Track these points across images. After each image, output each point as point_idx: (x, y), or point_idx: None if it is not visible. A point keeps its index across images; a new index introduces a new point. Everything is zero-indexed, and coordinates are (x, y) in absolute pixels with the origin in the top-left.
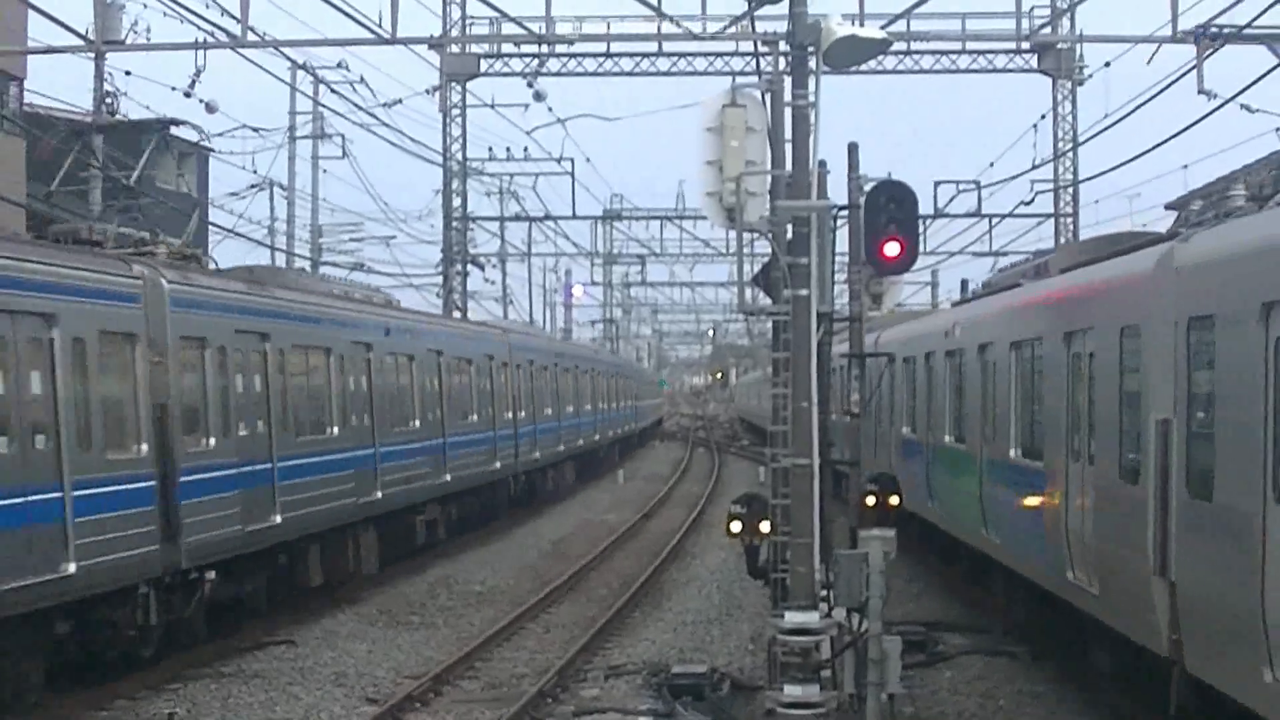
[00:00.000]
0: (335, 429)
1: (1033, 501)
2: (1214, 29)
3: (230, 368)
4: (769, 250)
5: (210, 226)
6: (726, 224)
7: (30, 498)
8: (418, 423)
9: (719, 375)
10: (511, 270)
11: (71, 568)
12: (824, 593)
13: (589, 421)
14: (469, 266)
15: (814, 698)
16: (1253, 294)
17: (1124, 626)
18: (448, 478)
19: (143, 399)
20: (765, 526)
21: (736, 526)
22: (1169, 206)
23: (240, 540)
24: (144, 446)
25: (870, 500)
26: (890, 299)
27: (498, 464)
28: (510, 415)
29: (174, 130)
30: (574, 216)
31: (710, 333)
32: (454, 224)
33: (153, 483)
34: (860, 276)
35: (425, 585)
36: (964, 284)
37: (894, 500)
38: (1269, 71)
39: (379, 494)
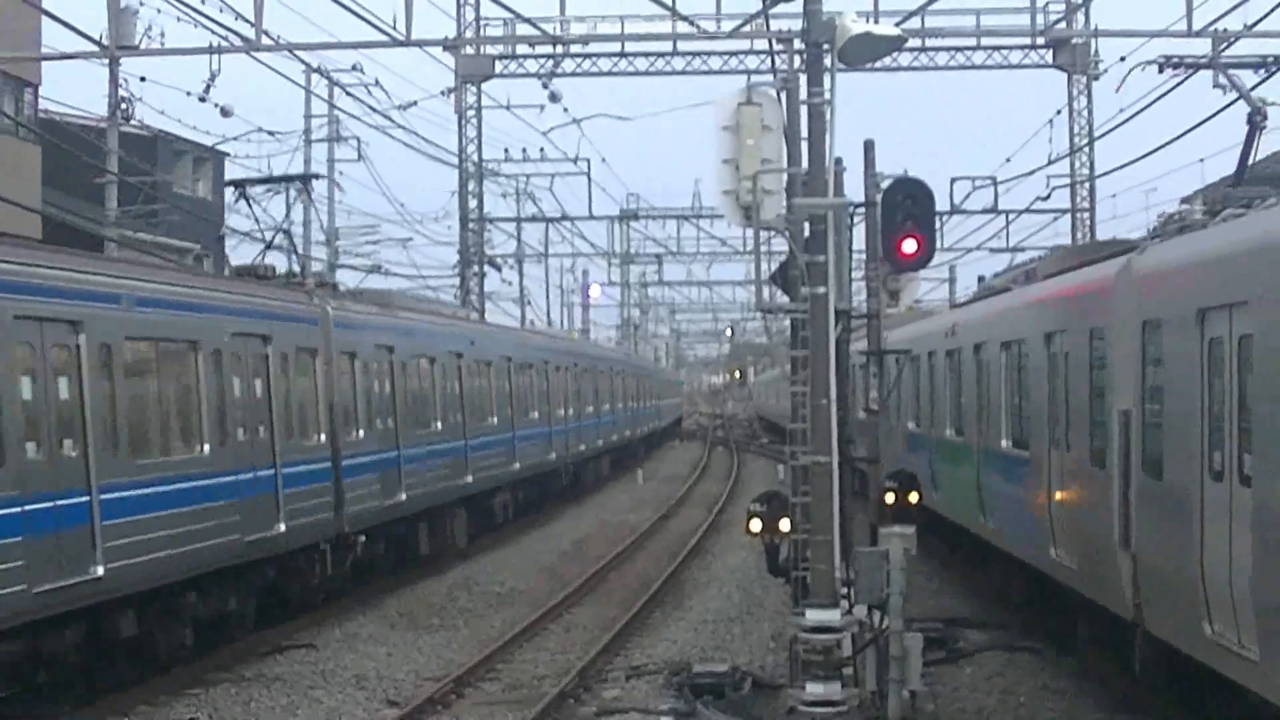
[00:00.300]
0: (439, 424)
1: (1021, 488)
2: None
3: (370, 374)
4: (786, 248)
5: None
6: (743, 222)
7: (258, 473)
8: (495, 419)
9: (737, 374)
10: (528, 271)
11: (282, 527)
12: (844, 590)
13: (622, 419)
14: (486, 267)
15: (835, 695)
16: (1191, 301)
17: (1097, 596)
18: (517, 465)
19: (322, 399)
20: (785, 525)
21: (756, 525)
22: (1185, 201)
23: (379, 512)
24: (323, 436)
25: (890, 497)
26: (908, 296)
27: (553, 455)
28: (562, 413)
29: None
30: (590, 217)
31: (728, 331)
32: (470, 225)
33: (329, 464)
34: (878, 274)
35: (445, 587)
36: (980, 280)
37: (914, 497)
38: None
39: (469, 478)
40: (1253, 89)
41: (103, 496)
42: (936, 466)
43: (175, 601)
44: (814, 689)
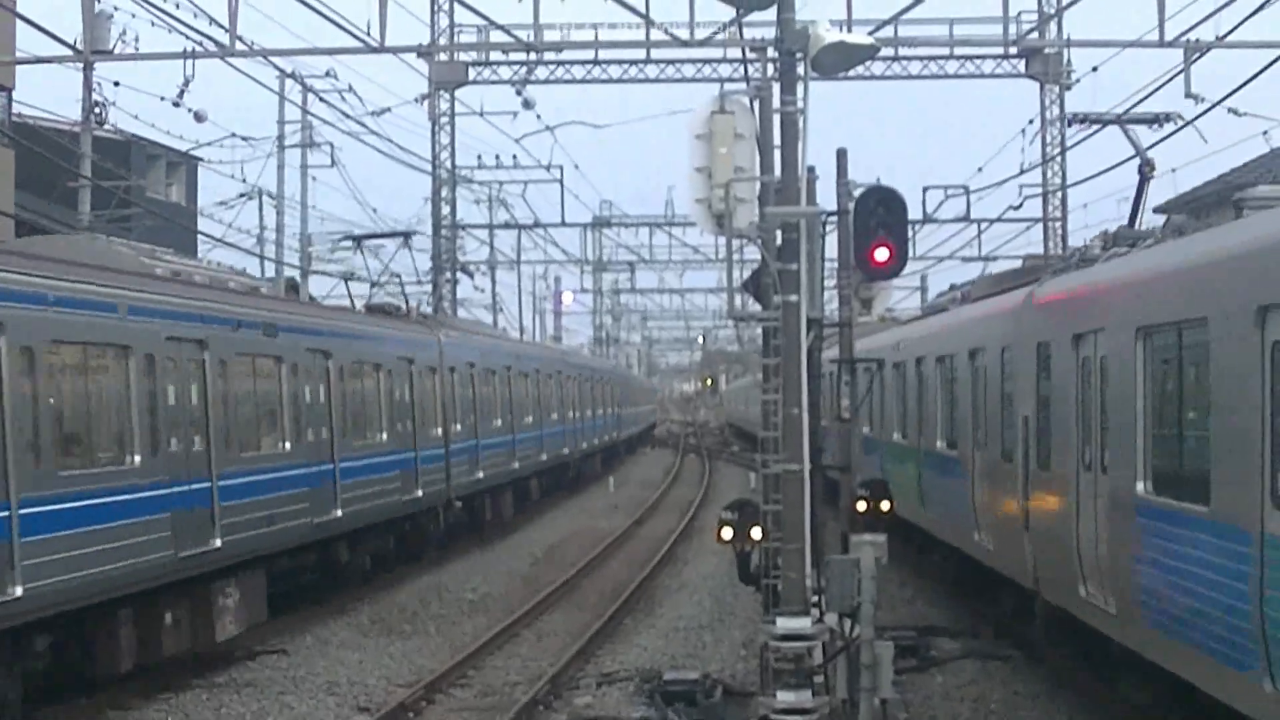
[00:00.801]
0: (499, 421)
1: (952, 483)
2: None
3: (463, 384)
4: (758, 256)
5: (200, 236)
6: (716, 230)
7: (402, 455)
8: (531, 418)
9: (709, 381)
10: (501, 278)
11: (420, 492)
12: (815, 598)
13: (613, 421)
14: (458, 274)
15: (806, 703)
16: (1069, 327)
17: (1009, 572)
18: (544, 456)
19: (440, 403)
20: (756, 532)
21: (728, 533)
22: (1157, 210)
23: (470, 485)
24: (439, 430)
25: (862, 505)
26: (880, 304)
27: (565, 450)
28: (573, 414)
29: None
30: (563, 224)
31: (700, 339)
32: (443, 232)
33: (442, 450)
34: (850, 282)
35: (417, 593)
36: (952, 288)
37: (885, 505)
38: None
39: (516, 464)
40: (1150, 146)
41: (342, 464)
42: (887, 466)
43: (367, 538)
44: (785, 697)
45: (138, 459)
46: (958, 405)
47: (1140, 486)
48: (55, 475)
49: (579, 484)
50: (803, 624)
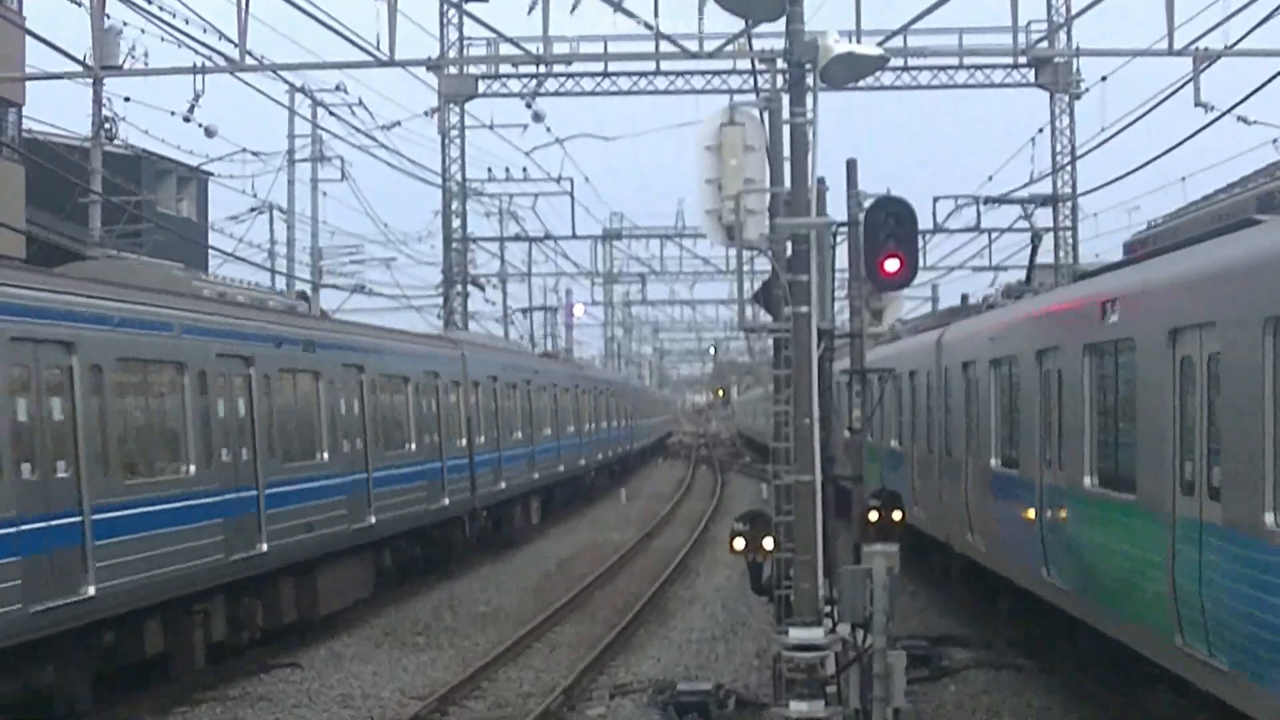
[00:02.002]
0: (519, 434)
1: (899, 471)
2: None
3: (486, 397)
4: (769, 267)
5: (210, 250)
6: (726, 242)
7: (430, 465)
8: (549, 430)
9: (721, 393)
10: (511, 290)
11: (446, 501)
12: (828, 609)
13: (626, 433)
14: (469, 287)
15: (819, 714)
16: (960, 357)
17: (961, 547)
18: (561, 468)
19: (464, 416)
20: (769, 543)
21: (740, 543)
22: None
23: (492, 495)
24: (463, 441)
25: (873, 515)
26: (891, 314)
27: (583, 461)
28: (590, 426)
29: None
30: (574, 236)
31: (711, 350)
32: (454, 245)
33: (466, 460)
34: (860, 293)
35: (430, 606)
36: (964, 299)
37: (897, 515)
38: (1260, 87)
39: (536, 475)
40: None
41: (375, 474)
42: (882, 471)
43: (400, 543)
44: (798, 707)
45: (193, 469)
46: (903, 412)
47: (993, 463)
48: (122, 485)
49: (594, 495)
50: (815, 634)
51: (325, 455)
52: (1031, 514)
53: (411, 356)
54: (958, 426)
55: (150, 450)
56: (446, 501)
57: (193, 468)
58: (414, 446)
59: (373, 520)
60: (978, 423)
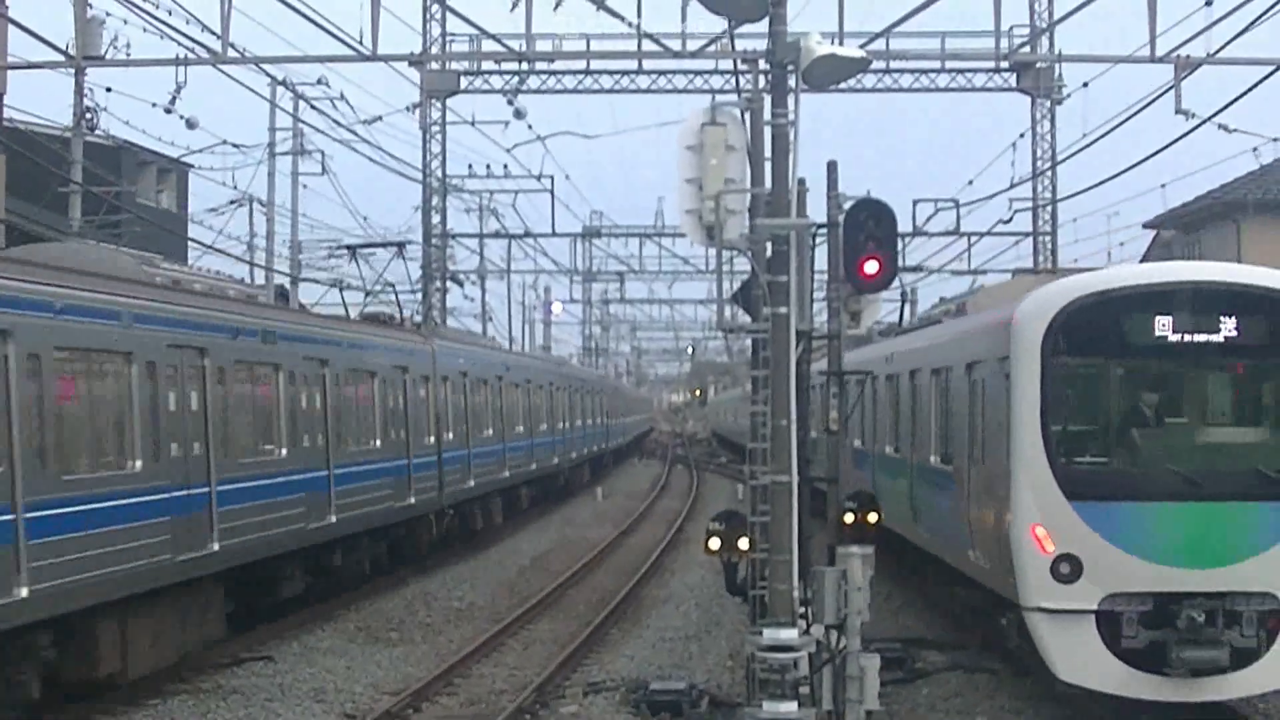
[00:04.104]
0: (489, 431)
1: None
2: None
3: (456, 392)
4: (748, 268)
5: (190, 242)
6: (706, 242)
7: (400, 462)
8: (522, 428)
9: (698, 392)
10: (491, 287)
11: (412, 500)
12: (802, 609)
13: (603, 432)
14: (448, 283)
15: (792, 714)
16: (883, 370)
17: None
18: (534, 466)
19: (432, 412)
20: (744, 543)
21: (715, 543)
22: (1147, 225)
23: (460, 494)
24: (432, 439)
25: (849, 517)
26: (869, 317)
27: (555, 460)
28: (565, 424)
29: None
30: (553, 234)
31: (689, 350)
32: (433, 241)
33: (435, 458)
34: (839, 294)
35: (404, 601)
36: (942, 301)
37: (873, 517)
38: (1241, 96)
39: (506, 473)
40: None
41: (336, 471)
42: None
43: (360, 541)
44: (771, 708)
45: (139, 464)
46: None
47: (886, 449)
48: (59, 481)
49: (567, 493)
50: (789, 635)
51: (283, 451)
52: (905, 486)
53: (379, 350)
54: (884, 426)
55: (93, 445)
56: (412, 500)
57: (139, 463)
58: (379, 443)
59: (333, 519)
60: (890, 422)
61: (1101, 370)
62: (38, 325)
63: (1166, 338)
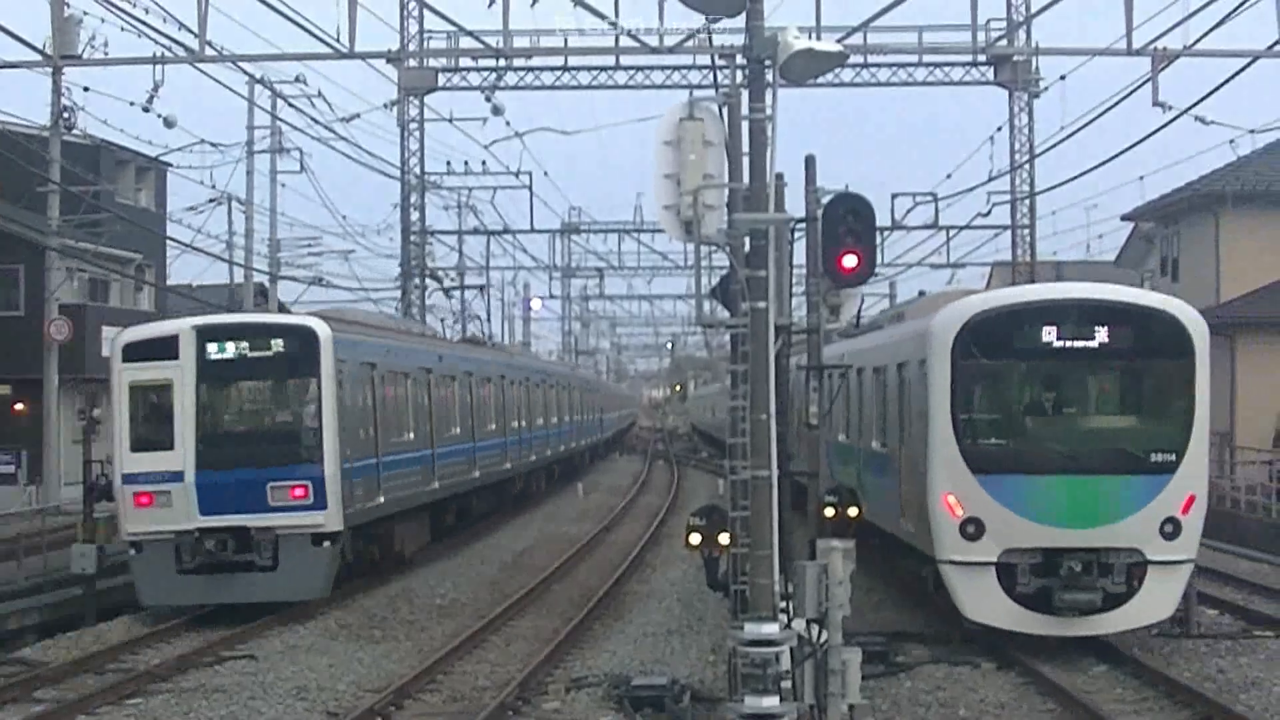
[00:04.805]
0: (494, 425)
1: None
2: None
3: (352, 389)
4: (727, 263)
5: (168, 241)
6: (684, 237)
7: (421, 453)
8: (557, 419)
9: (679, 388)
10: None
11: (436, 485)
12: (783, 604)
13: (598, 423)
14: (427, 280)
15: (774, 709)
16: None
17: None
18: (533, 457)
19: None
20: (725, 538)
21: (696, 539)
22: (1125, 218)
23: (369, 512)
24: (460, 429)
25: (829, 511)
26: (848, 311)
27: (562, 447)
28: (520, 424)
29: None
30: (532, 230)
31: (669, 345)
32: (412, 238)
33: (470, 444)
34: (818, 289)
35: (386, 598)
36: (921, 295)
37: (853, 511)
38: (1218, 88)
39: (508, 465)
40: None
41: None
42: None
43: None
44: (753, 702)
45: (411, 435)
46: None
47: (840, 436)
48: (389, 442)
49: (527, 504)
50: (771, 629)
51: (457, 429)
52: (855, 469)
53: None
54: (838, 417)
55: (398, 423)
56: (436, 485)
57: (411, 435)
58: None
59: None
60: (842, 414)
61: (1000, 370)
62: (382, 361)
63: (1052, 344)
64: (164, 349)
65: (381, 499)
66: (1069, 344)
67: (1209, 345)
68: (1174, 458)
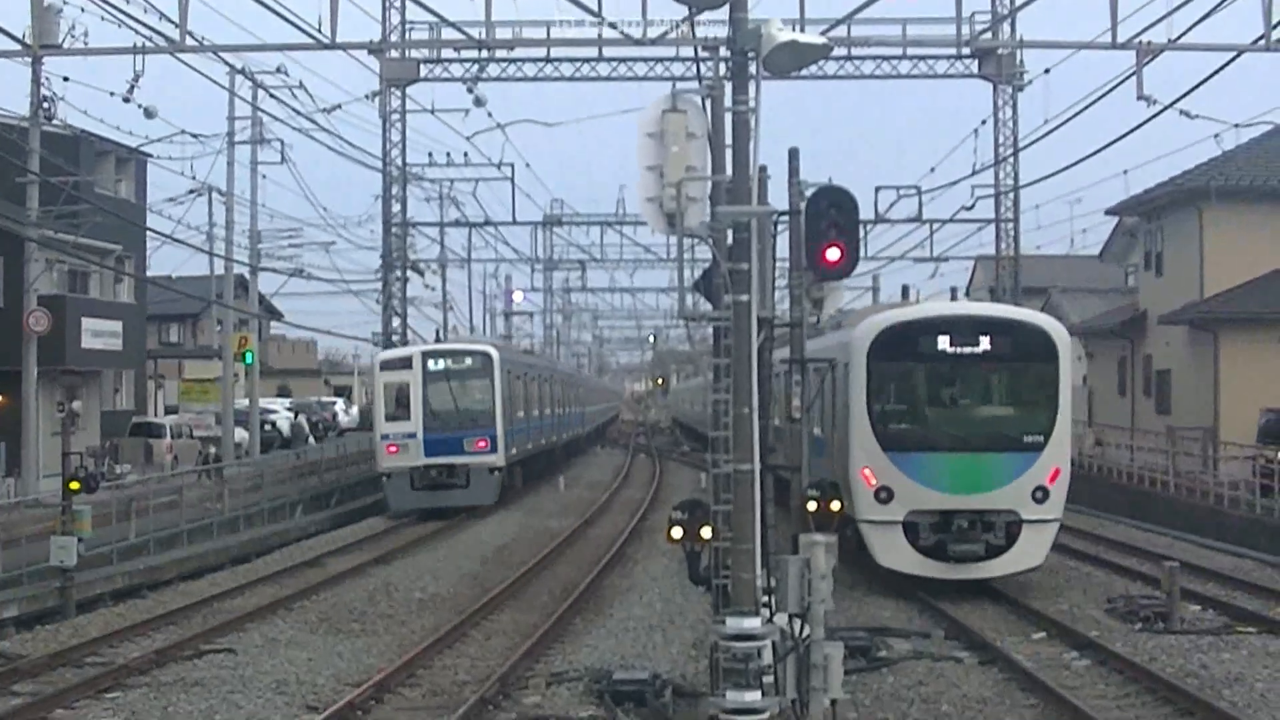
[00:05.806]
0: (548, 410)
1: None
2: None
3: (517, 385)
4: (710, 255)
5: (148, 232)
6: (667, 230)
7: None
8: (574, 408)
9: (661, 381)
10: (451, 276)
11: (511, 451)
12: (765, 598)
13: (583, 413)
14: (409, 272)
15: (756, 703)
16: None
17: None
18: (557, 437)
19: (500, 401)
20: (707, 532)
21: (678, 532)
22: (1109, 212)
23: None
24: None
25: (812, 505)
26: (831, 304)
27: (585, 428)
28: (580, 409)
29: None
30: (514, 222)
31: (651, 339)
32: (394, 229)
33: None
34: (801, 282)
35: (366, 592)
36: (904, 290)
37: (835, 505)
38: (1202, 82)
39: (530, 445)
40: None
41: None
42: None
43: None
44: (734, 697)
45: (536, 412)
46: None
47: (817, 430)
48: (515, 417)
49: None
50: (753, 624)
51: (550, 410)
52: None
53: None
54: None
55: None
56: (512, 451)
57: (536, 411)
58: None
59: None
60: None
61: (906, 370)
62: (506, 367)
63: (946, 350)
64: (404, 363)
65: (530, 446)
66: (960, 350)
67: (1071, 351)
68: (1042, 439)
